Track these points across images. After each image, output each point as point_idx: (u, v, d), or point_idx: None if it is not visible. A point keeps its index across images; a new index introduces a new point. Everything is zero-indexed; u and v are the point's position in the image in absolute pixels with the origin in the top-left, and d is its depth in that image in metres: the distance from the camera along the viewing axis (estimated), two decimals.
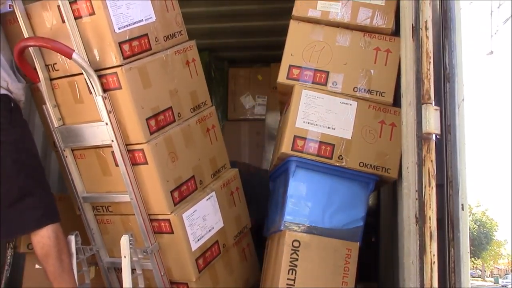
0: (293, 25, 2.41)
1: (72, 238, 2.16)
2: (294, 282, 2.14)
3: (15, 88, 2.13)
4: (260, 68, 4.84)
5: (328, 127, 2.26)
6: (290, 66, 2.35)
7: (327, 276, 2.16)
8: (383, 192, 3.26)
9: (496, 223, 34.05)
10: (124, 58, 2.06)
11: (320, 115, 2.26)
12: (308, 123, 2.26)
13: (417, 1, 1.81)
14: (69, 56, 1.99)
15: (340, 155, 2.23)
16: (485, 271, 37.97)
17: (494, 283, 32.99)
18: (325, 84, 2.31)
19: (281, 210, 2.28)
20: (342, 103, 2.28)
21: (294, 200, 2.23)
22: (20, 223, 2.05)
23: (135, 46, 2.11)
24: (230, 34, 4.47)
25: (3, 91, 2.08)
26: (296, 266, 2.15)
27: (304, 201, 2.23)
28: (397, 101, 2.26)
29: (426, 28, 1.72)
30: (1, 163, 2.01)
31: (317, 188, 2.25)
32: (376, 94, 2.30)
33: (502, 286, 29.50)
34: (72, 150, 2.25)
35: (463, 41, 1.80)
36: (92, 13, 2.02)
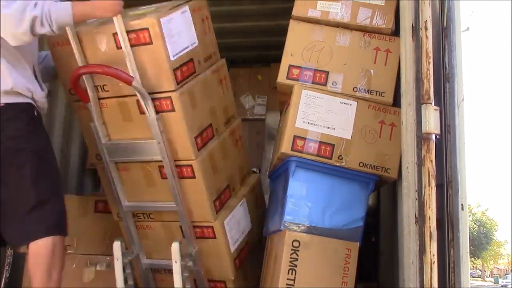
0: (293, 25, 2.41)
1: (118, 244, 2.31)
2: (294, 282, 2.14)
3: (40, 97, 2.15)
4: (260, 68, 4.84)
5: (328, 127, 2.26)
6: (290, 66, 2.35)
7: (327, 276, 2.16)
8: (383, 192, 3.26)
9: (496, 223, 34.07)
10: (177, 83, 2.15)
11: (320, 115, 2.26)
12: (308, 123, 2.26)
13: (417, 1, 1.81)
14: (130, 83, 2.06)
15: (340, 155, 2.23)
16: (485, 271, 37.98)
17: (494, 283, 33.02)
18: (325, 84, 2.31)
19: (281, 210, 2.28)
20: (342, 103, 2.28)
21: (294, 200, 2.23)
22: (33, 230, 2.03)
23: (185, 71, 2.21)
24: (230, 34, 4.46)
25: (28, 100, 2.09)
26: (296, 266, 2.15)
27: (304, 201, 2.23)
28: (397, 101, 2.26)
29: (426, 28, 1.72)
30: (21, 170, 2.02)
31: (317, 188, 2.25)
32: (376, 94, 2.30)
33: (502, 286, 29.52)
34: (116, 163, 2.34)
35: (462, 41, 1.80)
36: (150, 43, 2.08)
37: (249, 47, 4.73)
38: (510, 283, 28.16)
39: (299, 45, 2.37)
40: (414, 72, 1.77)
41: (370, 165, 2.24)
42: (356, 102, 2.28)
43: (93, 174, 4.39)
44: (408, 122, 1.83)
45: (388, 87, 2.30)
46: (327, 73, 2.33)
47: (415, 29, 1.81)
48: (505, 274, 35.52)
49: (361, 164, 2.24)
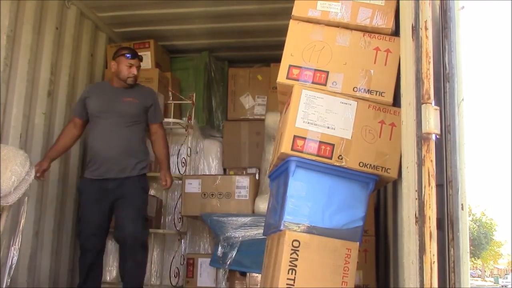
0: (293, 25, 2.41)
1: None
2: (294, 282, 2.13)
3: None
4: (260, 68, 4.85)
5: (328, 127, 2.25)
6: (290, 66, 2.35)
7: (327, 276, 2.15)
8: (383, 192, 3.26)
9: (496, 223, 34.10)
10: None
11: (320, 115, 2.26)
12: (308, 123, 2.25)
13: (417, 1, 1.80)
14: None
15: (340, 155, 2.23)
16: (485, 271, 37.99)
17: (494, 283, 33.02)
18: (325, 84, 2.31)
19: (281, 210, 2.27)
20: (342, 103, 2.28)
21: (294, 200, 2.23)
22: None
23: None
24: (230, 34, 4.47)
25: None
26: (296, 266, 2.15)
27: (304, 201, 2.23)
28: (397, 101, 2.26)
29: (426, 28, 1.71)
30: None
31: (317, 188, 2.25)
32: (376, 94, 2.30)
33: (502, 286, 29.54)
34: None
35: (462, 41, 1.79)
36: None
37: (249, 47, 4.73)
38: (510, 283, 28.17)
39: (299, 45, 2.37)
40: (414, 72, 1.77)
41: (370, 165, 2.24)
42: (356, 102, 2.28)
43: None
44: (408, 122, 1.83)
45: (388, 87, 2.30)
46: (327, 73, 2.32)
47: (415, 29, 1.81)
48: (505, 274, 35.52)
49: (361, 164, 2.24)
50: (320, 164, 2.23)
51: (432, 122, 1.65)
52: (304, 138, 2.24)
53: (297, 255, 2.16)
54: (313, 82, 2.31)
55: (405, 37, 1.93)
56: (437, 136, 1.69)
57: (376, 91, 2.29)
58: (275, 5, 3.86)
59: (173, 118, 4.42)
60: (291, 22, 2.41)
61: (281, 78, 2.35)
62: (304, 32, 2.38)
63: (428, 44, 1.70)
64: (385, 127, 2.28)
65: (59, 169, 3.84)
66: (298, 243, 2.17)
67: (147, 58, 4.53)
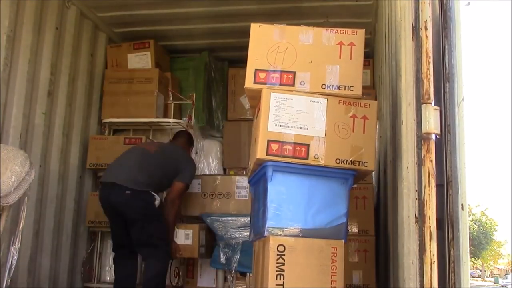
0: (254, 29, 2.40)
1: None
2: (283, 287, 2.11)
3: None
4: None
5: (301, 128, 2.24)
6: (256, 70, 2.34)
7: (315, 277, 2.13)
8: (383, 192, 3.26)
9: (496, 223, 34.06)
10: None
11: (291, 117, 2.24)
12: (280, 125, 2.23)
13: (417, 1, 1.80)
14: None
15: (316, 154, 2.21)
16: (485, 271, 37.97)
17: (494, 283, 33.01)
18: (293, 85, 2.29)
19: (263, 215, 2.25)
20: (312, 101, 2.27)
21: (275, 204, 2.20)
22: None
23: None
24: (230, 34, 4.47)
25: None
26: (283, 271, 2.12)
27: (285, 205, 2.20)
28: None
29: (426, 28, 1.71)
30: None
31: (297, 190, 2.22)
32: (345, 89, 2.28)
33: (502, 286, 29.52)
34: None
35: (463, 41, 1.79)
36: None
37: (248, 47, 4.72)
38: (510, 283, 28.16)
39: (262, 48, 2.36)
40: (414, 72, 1.77)
41: (347, 161, 2.23)
42: (326, 99, 2.27)
43: (93, 174, 4.40)
44: (408, 122, 1.83)
45: (356, 80, 2.29)
46: (293, 73, 2.30)
47: (415, 29, 1.81)
48: (505, 274, 35.50)
49: (337, 161, 2.22)
50: (297, 166, 2.21)
51: (432, 122, 1.65)
52: (278, 142, 2.21)
53: (284, 260, 2.13)
54: (281, 84, 2.30)
55: (405, 37, 1.93)
56: (437, 136, 1.68)
57: (345, 86, 2.28)
58: (275, 5, 3.85)
59: (173, 118, 4.42)
60: (252, 25, 2.41)
61: (248, 83, 2.35)
62: (266, 34, 2.37)
63: (428, 44, 1.70)
64: (357, 121, 2.27)
65: (59, 169, 3.84)
66: (283, 247, 2.14)
67: (147, 58, 4.53)
